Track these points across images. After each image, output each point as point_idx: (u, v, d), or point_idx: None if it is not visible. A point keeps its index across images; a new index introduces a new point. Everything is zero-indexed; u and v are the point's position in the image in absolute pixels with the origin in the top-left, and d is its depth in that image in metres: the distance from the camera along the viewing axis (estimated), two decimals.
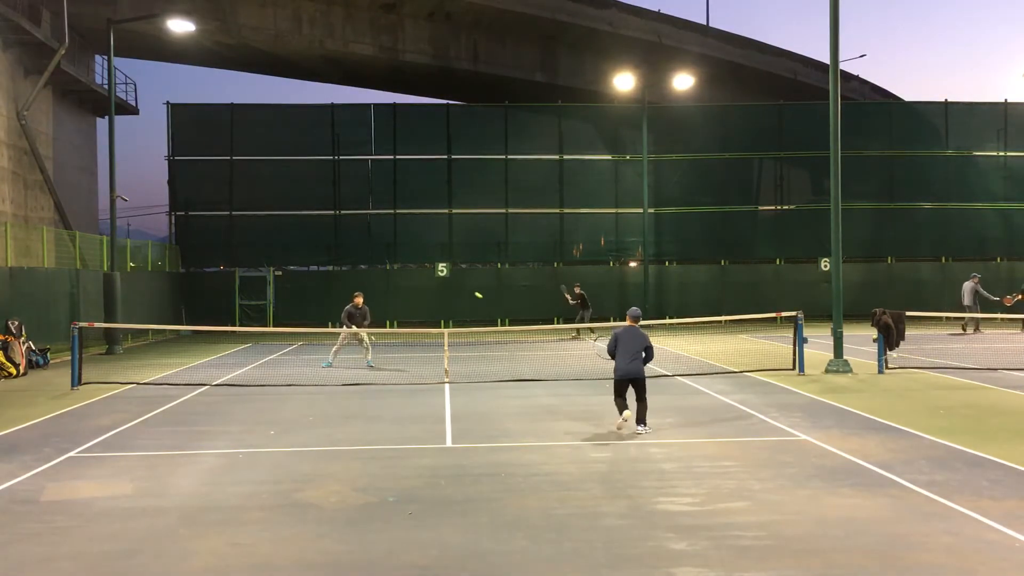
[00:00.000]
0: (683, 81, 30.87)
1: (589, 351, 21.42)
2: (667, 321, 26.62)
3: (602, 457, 9.33)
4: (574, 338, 25.72)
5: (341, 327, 18.57)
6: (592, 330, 25.69)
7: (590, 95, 36.73)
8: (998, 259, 33.42)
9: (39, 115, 28.99)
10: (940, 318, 26.85)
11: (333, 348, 18.95)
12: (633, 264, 32.82)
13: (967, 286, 25.33)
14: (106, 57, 25.86)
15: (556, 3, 34.57)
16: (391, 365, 18.85)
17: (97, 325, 21.22)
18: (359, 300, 18.39)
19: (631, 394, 10.78)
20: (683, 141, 33.33)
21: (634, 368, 10.61)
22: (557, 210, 32.71)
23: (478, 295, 20.09)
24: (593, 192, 33.03)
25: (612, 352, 10.79)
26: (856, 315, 25.62)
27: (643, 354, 10.68)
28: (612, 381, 10.83)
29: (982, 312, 24.87)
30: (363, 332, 18.40)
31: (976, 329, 25.91)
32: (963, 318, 25.66)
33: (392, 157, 32.36)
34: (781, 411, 12.10)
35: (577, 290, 25.80)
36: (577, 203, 32.80)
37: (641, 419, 10.71)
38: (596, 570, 5.88)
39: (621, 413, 10.61)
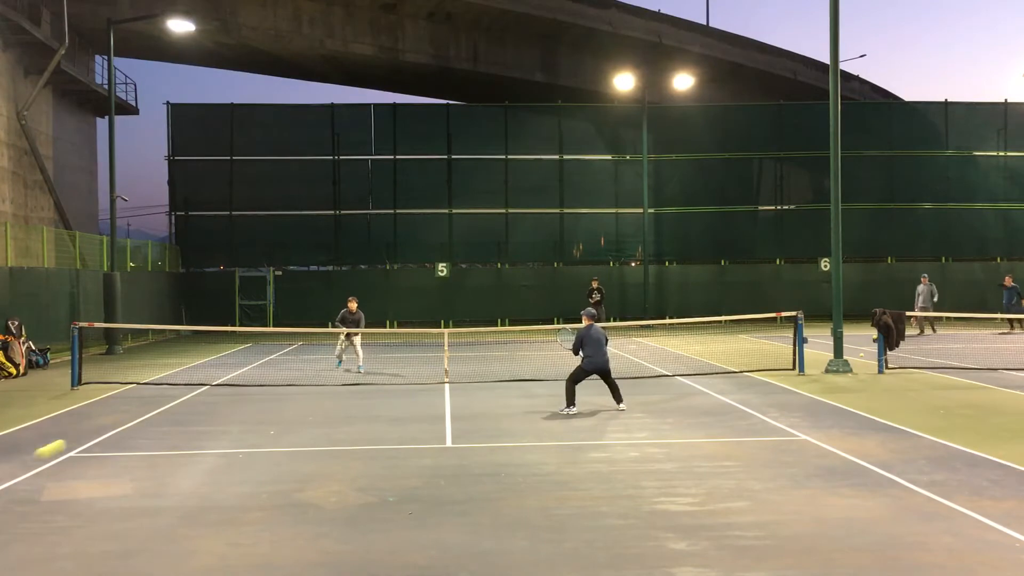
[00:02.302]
0: (683, 81, 30.88)
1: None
2: (667, 321, 26.62)
3: (602, 457, 9.33)
4: None
5: (336, 327, 18.15)
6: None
7: (590, 95, 36.73)
8: (998, 259, 33.44)
9: (39, 115, 28.98)
10: (940, 318, 26.84)
11: (336, 350, 18.39)
12: (633, 264, 32.83)
13: (928, 288, 24.63)
14: (106, 57, 25.86)
15: (556, 3, 34.56)
16: (391, 365, 18.85)
17: (97, 325, 21.22)
18: (353, 305, 17.60)
19: (597, 385, 12.55)
20: (683, 141, 33.32)
21: (603, 360, 12.25)
22: (557, 210, 32.71)
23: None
24: (593, 192, 33.03)
25: (578, 350, 12.35)
26: (856, 315, 25.62)
27: (606, 345, 12.35)
28: (581, 371, 12.26)
29: (933, 311, 24.58)
30: (356, 338, 17.90)
31: (931, 329, 25.59)
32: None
33: (392, 157, 32.37)
34: (781, 411, 12.10)
35: (595, 284, 25.83)
36: (577, 203, 32.80)
37: (619, 399, 12.36)
38: (596, 570, 5.88)
39: (573, 403, 12.10)
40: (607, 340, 12.44)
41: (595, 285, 25.88)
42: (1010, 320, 25.73)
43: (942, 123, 33.77)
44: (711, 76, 39.01)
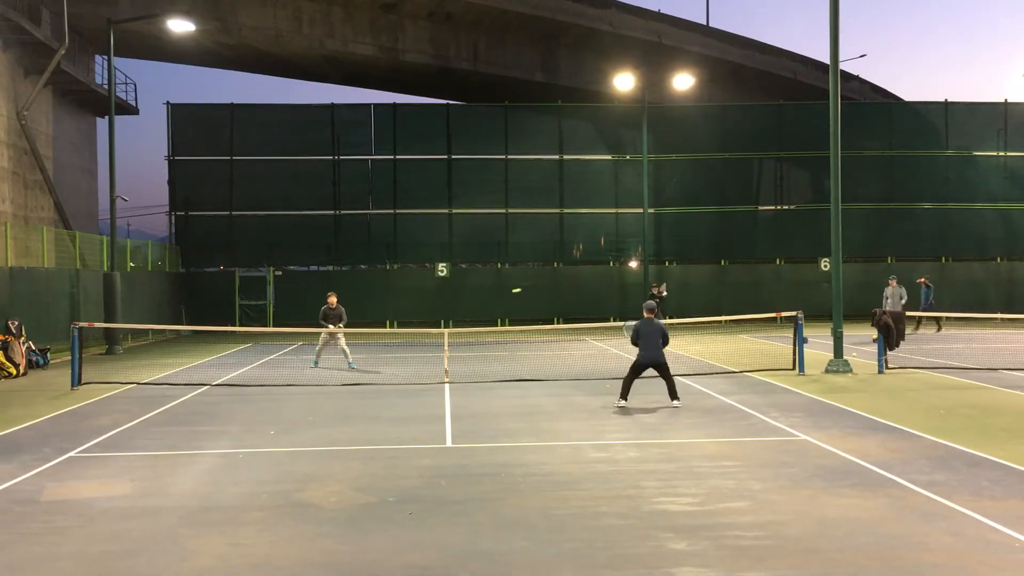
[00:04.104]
0: (683, 81, 30.87)
1: (591, 351, 21.41)
2: (667, 321, 26.48)
3: (602, 457, 9.33)
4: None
5: (322, 325, 18.35)
6: None
7: (590, 95, 36.75)
8: (998, 259, 33.45)
9: (39, 115, 28.98)
10: (940, 318, 26.82)
11: (316, 348, 18.77)
12: (633, 264, 32.83)
13: (897, 291, 23.20)
14: (106, 57, 25.86)
15: (556, 3, 34.57)
16: (391, 365, 18.85)
17: (97, 325, 21.22)
18: (333, 300, 18.25)
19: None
20: (683, 141, 33.34)
21: (657, 355, 12.46)
22: (557, 210, 32.73)
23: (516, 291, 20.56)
24: (593, 192, 33.05)
25: (635, 342, 12.62)
26: (856, 315, 25.61)
27: (660, 340, 12.51)
28: (637, 364, 12.54)
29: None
30: (340, 335, 18.19)
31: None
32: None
33: (392, 157, 32.39)
34: (781, 411, 12.10)
35: (655, 289, 26.53)
36: (577, 203, 32.82)
37: (673, 395, 12.54)
38: (596, 570, 5.88)
39: (625, 397, 12.46)
40: (664, 335, 12.57)
41: (655, 290, 26.84)
42: (935, 319, 25.60)
43: (942, 123, 33.78)
44: (711, 76, 39.01)
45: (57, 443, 10.39)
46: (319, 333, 18.53)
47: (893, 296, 23.78)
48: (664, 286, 27.97)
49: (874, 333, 17.24)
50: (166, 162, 31.84)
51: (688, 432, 10.73)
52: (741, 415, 11.89)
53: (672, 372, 16.77)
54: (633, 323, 13.40)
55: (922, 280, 26.11)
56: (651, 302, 13.20)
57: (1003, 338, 23.74)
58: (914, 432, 10.41)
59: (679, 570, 5.84)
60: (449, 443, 10.21)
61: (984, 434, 10.26)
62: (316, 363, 18.28)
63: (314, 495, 7.86)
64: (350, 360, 18.21)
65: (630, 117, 32.87)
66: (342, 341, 18.36)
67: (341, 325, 18.20)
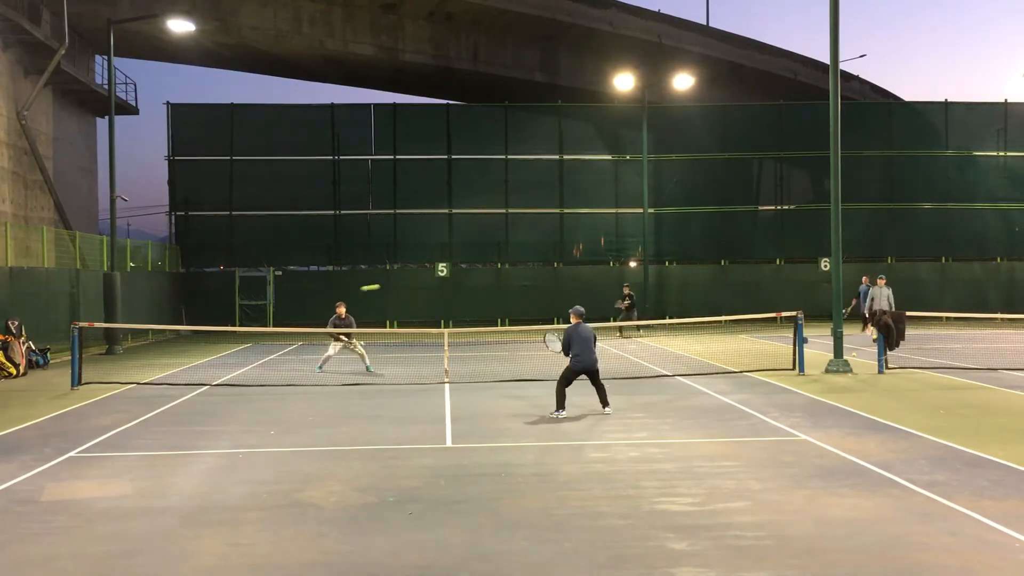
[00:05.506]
0: (683, 81, 30.87)
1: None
2: (667, 321, 26.63)
3: (602, 457, 9.33)
4: (619, 337, 26.24)
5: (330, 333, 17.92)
6: (638, 328, 26.35)
7: (590, 95, 36.75)
8: (998, 259, 33.45)
9: (39, 115, 28.98)
10: (940, 318, 26.84)
11: (323, 356, 18.13)
12: (633, 264, 32.83)
13: (885, 291, 22.60)
14: (106, 57, 25.87)
15: (556, 3, 34.58)
16: (391, 365, 18.84)
17: (97, 325, 21.21)
18: (342, 310, 17.62)
19: (588, 385, 12.16)
20: (683, 141, 33.34)
21: (592, 359, 11.94)
22: (557, 210, 32.73)
23: (370, 288, 20.03)
24: (593, 192, 33.06)
25: (567, 349, 12.03)
26: (856, 315, 25.58)
27: (595, 344, 12.06)
28: (571, 371, 11.97)
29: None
30: (356, 341, 17.93)
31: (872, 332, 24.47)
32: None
33: (392, 157, 32.39)
34: (781, 411, 12.10)
35: (627, 290, 26.50)
36: (577, 203, 32.83)
37: (605, 402, 12.07)
38: (596, 570, 5.88)
39: (562, 407, 11.83)
40: (596, 339, 12.18)
41: (627, 291, 26.74)
42: (865, 320, 25.24)
43: (942, 123, 33.78)
44: (711, 76, 39.02)
45: (57, 443, 10.39)
46: (319, 334, 18.28)
47: (879, 296, 23.64)
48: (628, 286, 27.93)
49: (874, 333, 17.23)
50: (166, 162, 31.85)
51: (688, 432, 10.73)
52: (741, 415, 11.89)
53: (673, 372, 16.90)
54: (554, 335, 12.77)
55: (865, 279, 25.88)
56: (579, 307, 12.35)
57: (1003, 338, 23.74)
58: (914, 432, 10.41)
59: (679, 570, 5.84)
60: (449, 443, 10.21)
61: (984, 434, 10.26)
62: (322, 369, 17.87)
63: (314, 495, 7.86)
64: (368, 364, 17.62)
65: (630, 117, 32.87)
66: (359, 346, 17.97)
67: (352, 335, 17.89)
